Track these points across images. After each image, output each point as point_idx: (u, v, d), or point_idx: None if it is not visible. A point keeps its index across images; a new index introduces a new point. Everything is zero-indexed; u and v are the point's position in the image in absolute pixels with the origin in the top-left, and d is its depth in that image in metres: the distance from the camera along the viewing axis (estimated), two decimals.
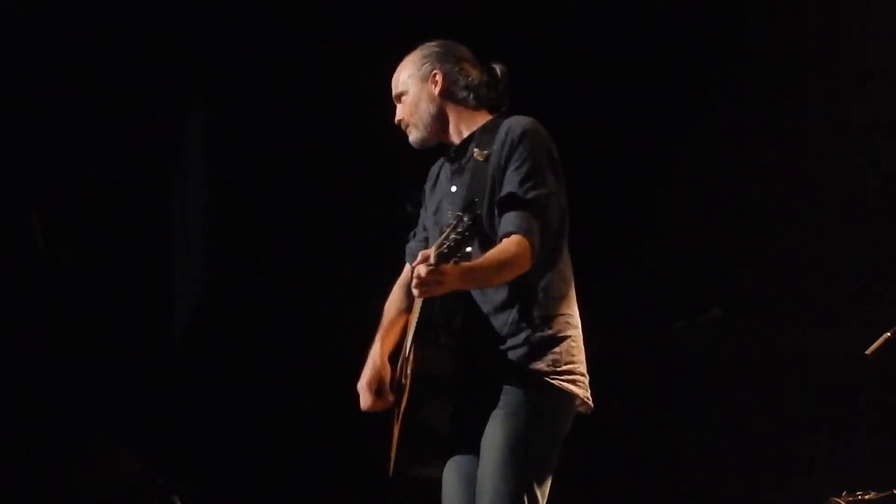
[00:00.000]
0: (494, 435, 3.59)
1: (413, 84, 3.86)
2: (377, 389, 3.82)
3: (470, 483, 3.68)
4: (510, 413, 3.60)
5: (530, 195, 3.61)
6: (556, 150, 3.74)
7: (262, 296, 6.34)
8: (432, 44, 3.90)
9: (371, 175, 6.05)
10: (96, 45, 6.14)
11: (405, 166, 4.24)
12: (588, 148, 5.80)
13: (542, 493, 3.60)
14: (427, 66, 3.85)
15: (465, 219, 3.35)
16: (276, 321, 6.27)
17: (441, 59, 3.86)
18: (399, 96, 3.91)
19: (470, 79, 3.84)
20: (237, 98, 6.32)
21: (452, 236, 3.36)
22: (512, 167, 3.65)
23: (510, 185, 3.64)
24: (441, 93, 3.84)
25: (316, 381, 6.00)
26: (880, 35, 5.67)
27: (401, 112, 3.90)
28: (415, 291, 3.48)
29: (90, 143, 6.26)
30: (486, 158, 3.71)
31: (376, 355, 3.86)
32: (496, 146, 3.71)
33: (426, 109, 3.84)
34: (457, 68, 3.85)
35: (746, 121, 5.98)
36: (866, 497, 4.47)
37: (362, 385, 3.84)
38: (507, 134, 3.71)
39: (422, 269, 3.39)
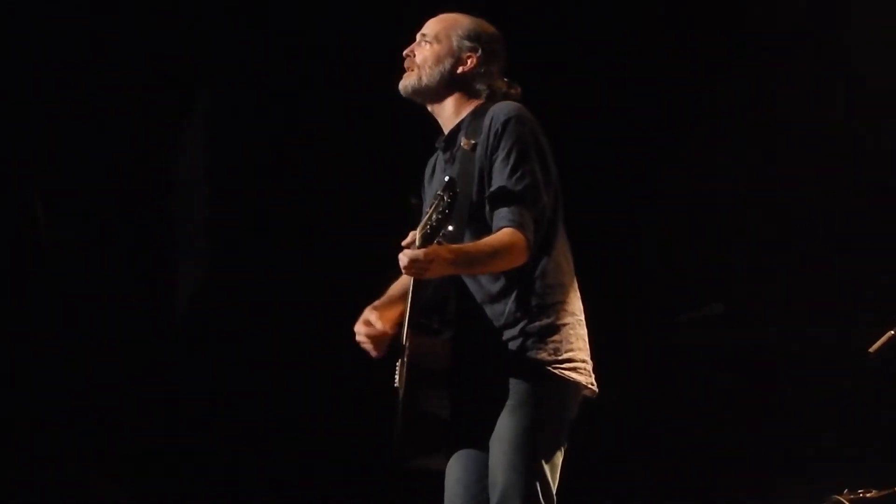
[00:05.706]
0: (501, 427, 3.58)
1: (448, 43, 3.78)
2: (379, 340, 3.72)
3: (471, 472, 3.68)
4: (516, 405, 3.57)
5: (519, 187, 3.57)
6: (542, 134, 3.69)
7: (262, 284, 6.33)
8: (490, 30, 3.84)
9: (372, 164, 6.03)
10: (101, 33, 6.15)
11: (407, 158, 4.21)
12: (590, 139, 5.79)
13: (553, 479, 3.59)
14: (469, 43, 3.78)
15: (445, 198, 3.32)
16: (275, 311, 6.26)
17: (486, 48, 3.79)
18: (427, 37, 3.82)
19: (493, 83, 3.80)
20: (239, 84, 6.33)
21: (434, 216, 3.34)
22: (499, 158, 3.62)
23: (499, 178, 3.60)
24: (461, 73, 3.78)
25: (315, 372, 6.01)
26: (879, 32, 5.64)
27: (419, 52, 3.81)
28: (405, 272, 3.46)
29: (94, 129, 6.26)
30: (473, 147, 3.67)
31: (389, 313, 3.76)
32: (482, 135, 3.67)
33: (440, 71, 3.77)
34: (490, 68, 3.80)
35: (748, 113, 5.95)
36: (868, 495, 4.47)
37: (374, 318, 3.72)
38: (491, 122, 3.67)
39: (405, 254, 3.39)
